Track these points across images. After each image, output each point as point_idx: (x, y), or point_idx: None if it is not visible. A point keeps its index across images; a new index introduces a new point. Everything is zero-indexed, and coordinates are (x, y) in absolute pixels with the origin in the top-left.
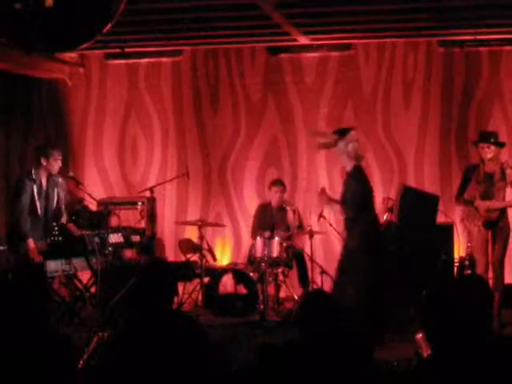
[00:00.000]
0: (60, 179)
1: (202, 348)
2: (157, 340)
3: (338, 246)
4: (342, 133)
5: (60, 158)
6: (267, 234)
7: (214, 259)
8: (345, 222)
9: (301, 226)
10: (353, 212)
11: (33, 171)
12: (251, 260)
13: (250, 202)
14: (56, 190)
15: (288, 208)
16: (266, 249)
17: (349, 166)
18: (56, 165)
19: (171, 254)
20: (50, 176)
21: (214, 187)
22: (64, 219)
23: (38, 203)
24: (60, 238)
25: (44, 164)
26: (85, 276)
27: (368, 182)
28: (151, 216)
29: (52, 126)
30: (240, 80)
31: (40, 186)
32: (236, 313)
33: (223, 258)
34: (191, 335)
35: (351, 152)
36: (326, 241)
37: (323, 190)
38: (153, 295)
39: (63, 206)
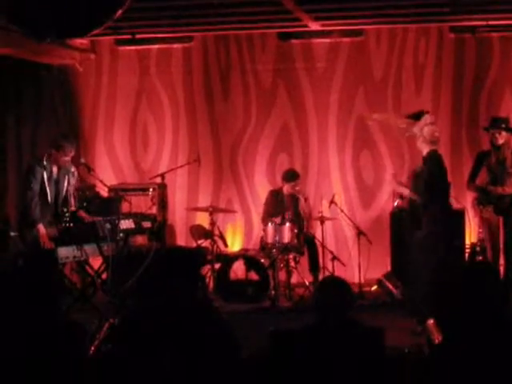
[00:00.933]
0: (72, 167)
1: (216, 335)
2: (168, 326)
3: (348, 233)
4: (416, 117)
5: (71, 153)
6: (278, 219)
7: (225, 245)
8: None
9: (309, 215)
10: (423, 198)
11: (45, 158)
12: (262, 246)
13: (260, 188)
14: (67, 177)
15: (300, 196)
16: (277, 235)
17: (424, 151)
18: (65, 160)
19: (182, 240)
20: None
21: (225, 173)
22: (73, 207)
23: (48, 190)
24: (71, 225)
25: (54, 155)
26: (96, 262)
27: (443, 169)
28: (162, 202)
29: (63, 112)
30: (251, 66)
31: (50, 173)
32: (247, 299)
33: (234, 244)
34: (206, 322)
35: (427, 136)
36: (337, 227)
37: (394, 175)
38: (170, 282)
39: (72, 194)
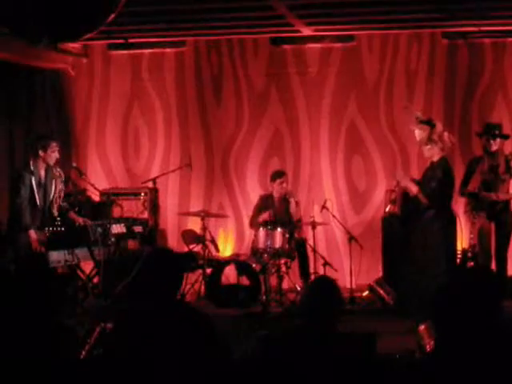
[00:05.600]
0: (59, 171)
1: (206, 338)
2: (160, 330)
3: (340, 237)
4: (433, 124)
5: (57, 148)
6: (266, 215)
7: (217, 250)
8: (422, 215)
9: (300, 220)
10: (438, 203)
11: (31, 163)
12: (254, 251)
13: (252, 193)
14: (54, 181)
15: (291, 199)
16: (269, 240)
17: (436, 157)
18: (54, 156)
19: (174, 244)
20: (48, 167)
21: (216, 178)
22: (55, 213)
23: (36, 195)
24: (62, 229)
25: (42, 155)
26: (87, 266)
27: (453, 175)
28: (154, 207)
29: (55, 116)
30: (243, 71)
31: (39, 178)
32: (238, 304)
33: (226, 249)
34: (195, 325)
35: (446, 142)
36: (328, 232)
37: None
38: (157, 284)
39: (60, 199)
